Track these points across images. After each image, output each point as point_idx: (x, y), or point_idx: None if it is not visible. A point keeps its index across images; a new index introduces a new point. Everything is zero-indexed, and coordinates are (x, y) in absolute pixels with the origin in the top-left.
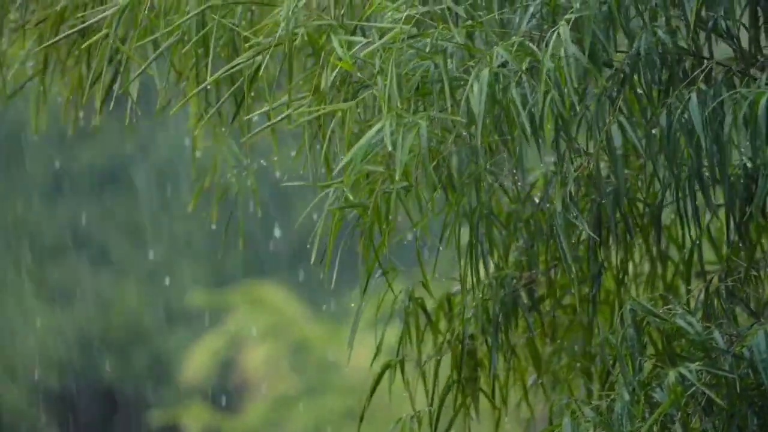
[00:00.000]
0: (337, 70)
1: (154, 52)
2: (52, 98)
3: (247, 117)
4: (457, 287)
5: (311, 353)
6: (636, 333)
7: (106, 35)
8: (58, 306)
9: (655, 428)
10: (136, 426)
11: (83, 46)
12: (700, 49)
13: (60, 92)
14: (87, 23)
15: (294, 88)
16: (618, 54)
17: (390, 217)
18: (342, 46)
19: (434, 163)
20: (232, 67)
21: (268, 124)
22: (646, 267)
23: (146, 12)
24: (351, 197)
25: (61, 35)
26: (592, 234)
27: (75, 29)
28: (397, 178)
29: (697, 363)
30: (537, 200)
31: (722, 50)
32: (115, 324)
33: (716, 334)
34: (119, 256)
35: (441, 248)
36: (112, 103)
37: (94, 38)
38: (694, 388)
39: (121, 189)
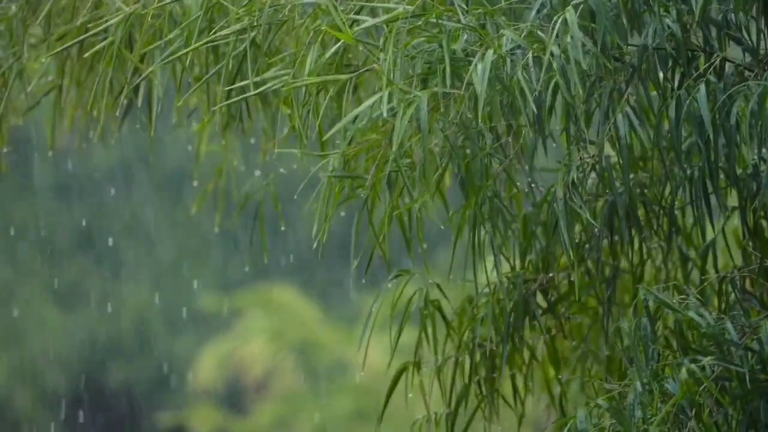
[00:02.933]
0: (335, 47)
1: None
2: (68, 111)
3: (230, 87)
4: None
5: (321, 354)
6: (649, 322)
7: (112, 43)
8: (66, 309)
9: (668, 419)
10: (145, 428)
11: (86, 54)
12: (711, 46)
13: (76, 105)
14: (93, 31)
15: (284, 64)
16: (629, 47)
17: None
18: (342, 22)
19: (434, 142)
20: (216, 39)
21: (254, 92)
22: (664, 267)
23: (150, 19)
24: (338, 167)
25: (72, 42)
26: (594, 222)
27: (80, 38)
28: (394, 148)
29: (709, 357)
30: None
31: (737, 51)
32: (124, 326)
33: (729, 326)
34: (128, 259)
35: (455, 244)
36: (123, 111)
37: (98, 46)
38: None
39: (129, 192)
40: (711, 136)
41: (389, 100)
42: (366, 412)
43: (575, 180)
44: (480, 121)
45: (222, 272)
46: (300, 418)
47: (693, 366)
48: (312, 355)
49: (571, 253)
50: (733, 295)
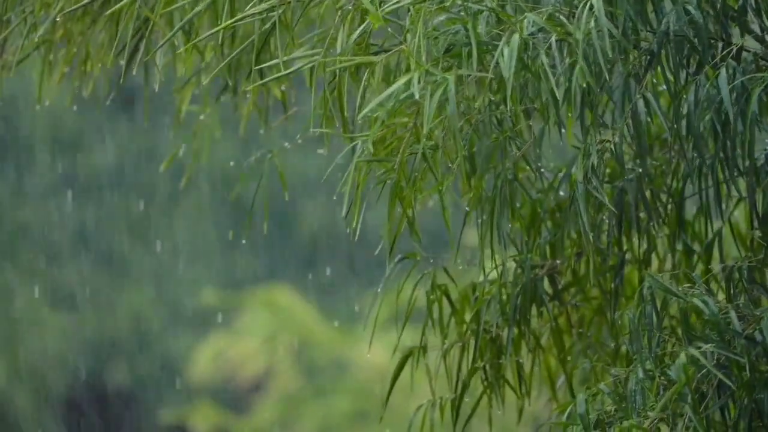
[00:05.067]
0: (360, 28)
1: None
2: (59, 68)
3: (260, 66)
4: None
5: (320, 354)
6: (654, 310)
7: (133, 1)
8: (65, 308)
9: (669, 406)
10: (145, 429)
11: (108, 12)
12: (729, 35)
13: (67, 63)
14: None
15: (307, 44)
16: (647, 34)
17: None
18: (372, 2)
19: (461, 123)
20: (244, 18)
21: (285, 72)
22: (670, 257)
23: None
24: (372, 149)
25: (81, 4)
26: (612, 208)
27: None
28: (425, 131)
29: (710, 345)
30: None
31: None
32: (123, 326)
33: (732, 315)
34: (127, 258)
35: (463, 227)
36: (126, 60)
37: (120, 4)
38: (706, 369)
39: (129, 188)
40: (731, 118)
41: (417, 78)
42: (367, 412)
43: (594, 165)
44: (503, 104)
45: (222, 271)
46: (300, 417)
47: (694, 351)
48: (311, 355)
49: (591, 237)
50: (740, 285)
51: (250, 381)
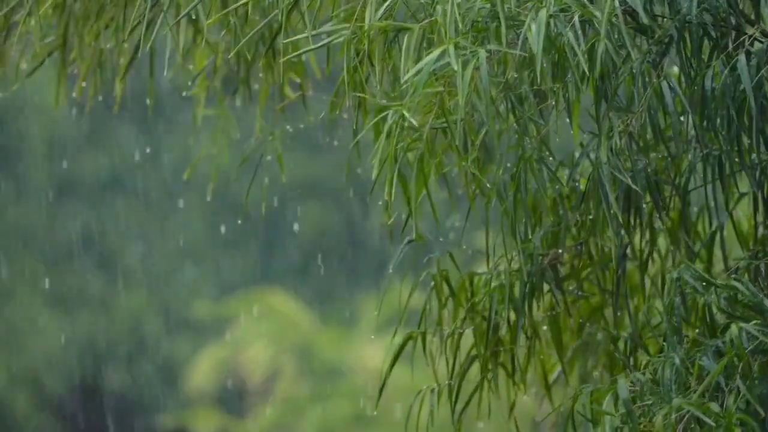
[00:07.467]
0: (387, 2)
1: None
2: (71, 79)
3: (288, 40)
4: (482, 267)
5: (319, 357)
6: (682, 301)
7: None
8: (64, 312)
9: (708, 391)
10: (146, 430)
11: None
12: (740, 24)
13: (78, 67)
14: None
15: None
16: (664, 19)
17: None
18: None
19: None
20: None
21: (316, 45)
22: (671, 252)
23: None
24: (409, 116)
25: None
26: (634, 186)
27: None
28: (461, 103)
29: (753, 322)
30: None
31: None
32: (123, 330)
33: (765, 301)
34: (126, 263)
35: (470, 210)
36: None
37: None
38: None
39: (126, 194)
40: (752, 104)
41: (445, 56)
42: (365, 414)
43: (617, 145)
44: (529, 81)
45: (220, 276)
46: (300, 420)
47: (747, 326)
48: (310, 358)
49: (619, 216)
50: (758, 280)
51: (250, 384)
